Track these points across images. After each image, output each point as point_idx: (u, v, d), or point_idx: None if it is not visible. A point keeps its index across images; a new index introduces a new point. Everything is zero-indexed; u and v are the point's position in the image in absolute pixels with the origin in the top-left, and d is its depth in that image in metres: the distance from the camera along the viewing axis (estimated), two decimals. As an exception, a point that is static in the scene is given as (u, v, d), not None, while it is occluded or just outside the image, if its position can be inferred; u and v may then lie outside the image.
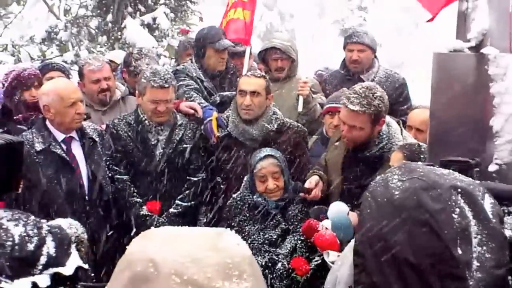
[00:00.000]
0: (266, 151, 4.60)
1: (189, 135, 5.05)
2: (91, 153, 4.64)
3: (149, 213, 4.90)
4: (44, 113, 4.50)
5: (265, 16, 27.70)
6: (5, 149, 2.05)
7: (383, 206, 1.52)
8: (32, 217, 1.74)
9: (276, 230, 4.45)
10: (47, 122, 4.51)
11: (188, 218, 4.96)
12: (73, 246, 1.79)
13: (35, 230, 1.70)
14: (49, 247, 1.70)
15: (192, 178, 5.04)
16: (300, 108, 5.46)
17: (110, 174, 4.84)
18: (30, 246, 1.66)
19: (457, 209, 1.43)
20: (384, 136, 4.32)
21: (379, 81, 5.72)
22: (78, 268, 1.68)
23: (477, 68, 2.72)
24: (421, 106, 5.08)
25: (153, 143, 4.95)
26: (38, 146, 4.42)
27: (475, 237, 1.42)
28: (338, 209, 3.98)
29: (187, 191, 5.02)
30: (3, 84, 4.82)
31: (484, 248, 1.41)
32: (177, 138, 4.98)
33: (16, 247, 1.63)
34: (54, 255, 1.69)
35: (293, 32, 26.34)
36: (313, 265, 4.23)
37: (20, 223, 1.70)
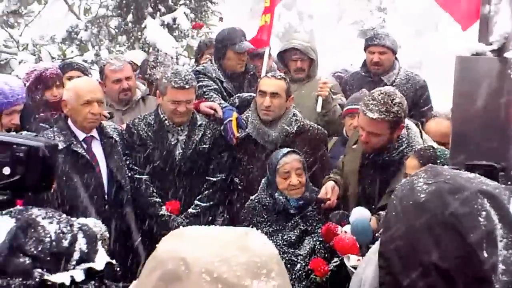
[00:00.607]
0: (288, 149, 4.60)
1: (209, 135, 5.05)
2: (111, 153, 4.66)
3: (168, 213, 4.91)
4: (62, 107, 4.57)
5: (283, 16, 27.67)
6: (43, 150, 2.09)
7: (408, 209, 1.52)
8: (64, 215, 1.79)
9: (295, 231, 4.45)
10: (69, 121, 4.55)
11: (207, 218, 4.97)
12: (99, 243, 1.83)
13: (68, 227, 1.75)
14: (81, 243, 1.75)
15: (211, 179, 5.05)
16: (319, 109, 5.46)
17: (129, 174, 4.87)
18: (65, 243, 1.70)
19: (483, 213, 1.43)
20: (404, 139, 4.28)
21: (399, 82, 5.74)
22: (107, 264, 1.72)
23: (500, 72, 2.71)
24: (438, 114, 5.03)
25: (172, 143, 4.96)
26: (60, 145, 4.44)
27: (500, 241, 1.42)
28: (360, 214, 3.97)
29: (206, 192, 5.03)
30: (25, 84, 4.85)
31: (510, 251, 1.41)
32: (197, 139, 4.98)
33: (53, 243, 1.68)
34: (86, 251, 1.74)
35: (312, 32, 26.33)
36: (332, 266, 4.23)
37: (54, 220, 1.74)
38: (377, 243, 1.70)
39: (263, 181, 4.68)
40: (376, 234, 3.90)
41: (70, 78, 5.29)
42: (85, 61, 7.31)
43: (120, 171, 4.69)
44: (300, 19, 28.98)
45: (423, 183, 1.53)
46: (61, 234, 1.71)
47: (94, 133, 4.60)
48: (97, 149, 4.62)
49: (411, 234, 1.48)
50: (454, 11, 4.50)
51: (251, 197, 4.70)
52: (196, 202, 5.00)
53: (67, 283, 1.64)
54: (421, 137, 4.40)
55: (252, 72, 6.00)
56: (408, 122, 4.41)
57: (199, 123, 5.04)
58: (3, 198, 2.00)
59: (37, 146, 2.08)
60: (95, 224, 2.11)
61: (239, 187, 5.08)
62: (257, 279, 1.23)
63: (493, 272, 1.39)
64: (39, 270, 1.63)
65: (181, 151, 4.96)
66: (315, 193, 4.54)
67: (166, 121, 4.94)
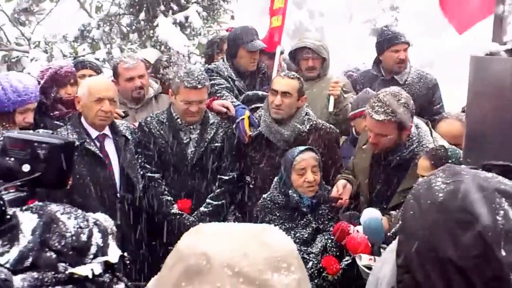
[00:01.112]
0: (305, 146, 4.61)
1: (221, 133, 5.06)
2: (124, 151, 4.68)
3: (180, 212, 4.92)
4: (76, 104, 4.61)
5: (294, 14, 27.62)
6: (63, 148, 2.13)
7: (426, 208, 1.53)
8: (79, 211, 1.83)
9: (307, 229, 4.45)
10: (82, 119, 4.57)
11: (218, 217, 4.98)
12: (110, 237, 1.87)
13: (85, 222, 1.78)
14: (96, 237, 1.79)
15: (223, 177, 5.05)
16: (331, 108, 5.45)
17: (141, 172, 4.88)
18: (83, 237, 1.74)
19: (501, 212, 1.44)
20: (414, 138, 4.27)
21: (411, 81, 5.73)
22: (121, 257, 1.76)
23: (512, 71, 2.72)
24: (449, 115, 5.02)
25: (185, 141, 4.97)
26: (73, 143, 4.48)
27: None
28: (370, 215, 3.97)
29: (218, 190, 5.04)
30: (39, 81, 4.87)
31: None
32: (209, 137, 4.99)
33: (74, 237, 1.71)
34: (101, 245, 1.78)
35: (322, 30, 26.25)
36: (343, 265, 4.25)
37: (72, 216, 1.78)
38: (394, 242, 1.71)
39: (275, 179, 4.69)
40: (388, 234, 3.91)
41: (82, 76, 5.31)
42: (97, 59, 7.32)
43: (132, 169, 4.71)
44: (311, 17, 28.96)
45: (441, 183, 1.53)
46: (79, 229, 1.75)
47: (107, 131, 4.62)
48: (109, 147, 4.64)
49: (429, 233, 1.49)
50: (452, 16, 4.54)
51: (264, 196, 4.70)
52: (208, 200, 5.01)
53: (90, 275, 1.67)
54: (431, 135, 4.38)
55: (264, 71, 6.01)
56: (417, 121, 4.40)
57: (211, 121, 5.05)
58: (22, 195, 2.05)
59: (57, 144, 2.13)
60: (105, 219, 2.15)
61: (251, 185, 5.09)
62: (278, 272, 1.25)
63: (510, 270, 1.40)
64: (63, 264, 1.66)
65: (193, 149, 4.97)
66: (327, 192, 4.55)
67: (179, 120, 4.94)
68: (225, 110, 5.22)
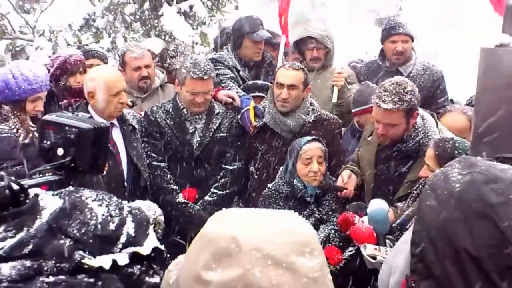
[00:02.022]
0: (311, 137, 4.61)
1: (226, 124, 5.08)
2: (131, 140, 4.69)
3: (185, 201, 4.94)
4: (88, 99, 4.56)
5: (295, 4, 27.41)
6: (93, 132, 2.15)
7: (443, 198, 1.55)
8: (115, 198, 1.80)
9: (310, 219, 4.45)
10: (90, 108, 4.56)
11: (223, 206, 4.97)
12: (151, 227, 1.86)
13: (117, 211, 1.76)
14: (129, 227, 1.76)
15: (228, 167, 5.08)
16: (335, 99, 5.45)
17: (147, 161, 4.89)
18: (112, 226, 1.71)
19: None
20: (420, 129, 4.28)
21: (416, 73, 5.70)
22: (155, 249, 1.75)
23: (527, 64, 2.71)
24: (453, 109, 5.02)
25: (190, 131, 4.99)
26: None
27: None
28: (377, 206, 3.99)
29: (223, 180, 5.06)
30: (49, 70, 4.88)
31: None
32: (214, 127, 5.01)
33: (99, 226, 1.68)
34: (133, 235, 1.75)
35: (324, 21, 26.01)
36: (346, 255, 4.27)
37: (103, 203, 1.75)
38: (408, 233, 1.73)
39: (281, 169, 4.70)
40: (393, 225, 3.93)
41: (89, 66, 5.31)
42: (101, 48, 7.32)
43: (139, 158, 4.72)
44: (313, 7, 28.70)
45: (457, 174, 1.56)
46: (108, 217, 1.72)
47: (114, 120, 4.62)
48: (117, 136, 4.64)
49: (445, 223, 1.52)
50: None
51: (269, 185, 4.72)
52: (213, 190, 5.04)
53: (106, 267, 1.65)
54: (437, 127, 4.39)
55: (269, 61, 6.01)
56: (423, 112, 4.41)
57: (216, 111, 5.07)
58: (55, 179, 2.06)
59: (87, 128, 2.13)
60: (149, 207, 2.14)
61: (255, 176, 5.10)
62: (302, 256, 1.30)
63: None
64: (81, 252, 1.63)
65: (199, 139, 4.99)
66: (333, 181, 4.56)
67: (184, 110, 4.96)
68: (230, 100, 5.23)
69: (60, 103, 4.99)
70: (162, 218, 2.24)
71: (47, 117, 2.28)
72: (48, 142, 2.17)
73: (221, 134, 5.03)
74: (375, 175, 4.48)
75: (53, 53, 6.98)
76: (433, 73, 5.80)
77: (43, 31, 7.87)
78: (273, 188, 4.66)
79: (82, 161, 2.13)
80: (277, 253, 1.29)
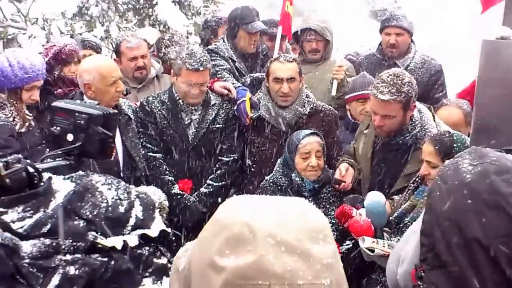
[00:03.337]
0: (310, 130, 4.60)
1: (222, 115, 5.05)
2: (126, 130, 4.66)
3: (181, 192, 4.93)
4: (85, 91, 4.51)
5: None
6: (103, 118, 2.20)
7: (454, 188, 1.55)
8: (123, 183, 1.88)
9: (308, 212, 4.44)
10: (85, 97, 4.51)
11: (219, 198, 4.98)
12: (156, 211, 1.90)
13: (125, 195, 1.83)
14: (137, 210, 1.83)
15: (224, 158, 5.06)
16: (334, 92, 5.45)
17: (143, 151, 4.87)
18: (121, 209, 1.78)
19: None
20: (417, 123, 4.27)
21: (414, 67, 5.69)
22: (161, 232, 1.79)
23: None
24: (449, 103, 5.02)
25: (186, 122, 4.97)
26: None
27: None
28: (374, 198, 3.99)
29: (218, 171, 5.05)
30: (43, 59, 4.85)
31: None
32: (210, 118, 4.99)
33: (110, 208, 1.76)
34: (141, 218, 1.82)
35: (316, 12, 26.05)
36: (343, 249, 4.27)
37: (112, 187, 1.83)
38: (416, 223, 1.73)
39: (279, 161, 4.69)
40: (390, 218, 3.94)
41: (83, 57, 5.33)
42: (95, 37, 7.27)
43: (135, 148, 4.70)
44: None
45: (468, 164, 1.56)
46: (118, 201, 1.80)
47: (110, 110, 4.59)
48: (112, 126, 4.61)
49: (456, 213, 1.52)
50: None
51: (266, 177, 4.70)
52: (209, 181, 5.03)
53: (118, 247, 1.71)
54: (434, 120, 4.39)
55: (265, 53, 6.00)
56: (420, 106, 4.40)
57: (212, 102, 5.04)
58: (66, 164, 2.11)
59: (95, 115, 2.19)
60: (154, 193, 2.18)
61: (252, 168, 5.09)
62: (316, 243, 1.30)
63: None
64: (93, 233, 1.71)
65: (195, 130, 4.97)
66: (331, 174, 4.56)
67: (180, 100, 4.94)
68: (226, 92, 5.20)
69: (55, 92, 4.97)
70: (166, 203, 2.29)
71: (56, 103, 2.32)
72: (58, 128, 2.22)
73: (217, 126, 5.01)
74: (372, 168, 4.47)
75: (47, 42, 6.93)
76: (431, 67, 5.78)
77: (36, 19, 7.80)
78: (270, 180, 4.65)
79: (91, 146, 2.19)
80: (291, 239, 1.28)
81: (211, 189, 5.00)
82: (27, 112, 4.46)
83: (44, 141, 4.45)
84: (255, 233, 1.28)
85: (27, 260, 1.61)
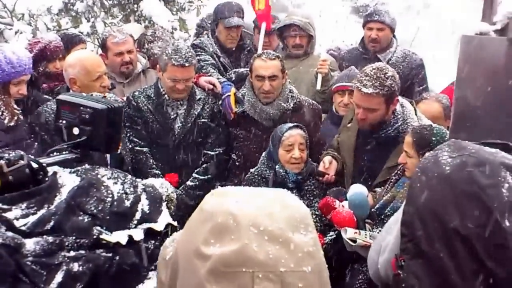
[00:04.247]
0: (294, 123, 4.65)
1: (208, 109, 5.09)
2: (113, 124, 4.66)
3: (167, 185, 4.95)
4: (70, 86, 4.54)
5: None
6: (108, 112, 2.18)
7: (433, 180, 1.60)
8: (129, 176, 1.89)
9: (292, 204, 4.47)
10: (71, 93, 4.55)
11: (204, 191, 5.01)
12: (163, 204, 1.91)
13: (132, 188, 1.83)
14: (143, 204, 1.84)
15: (209, 152, 5.11)
16: (318, 86, 5.48)
17: (130, 146, 4.91)
18: (127, 203, 1.78)
19: (506, 184, 1.52)
20: (399, 116, 4.34)
21: (396, 61, 5.73)
22: (168, 225, 1.81)
23: (507, 52, 2.76)
24: (429, 96, 5.09)
25: (172, 116, 5.00)
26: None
27: None
28: (357, 190, 4.05)
29: (204, 165, 5.09)
30: None
31: None
32: (196, 113, 5.03)
33: (115, 203, 1.76)
34: (147, 211, 1.82)
35: (300, 7, 26.01)
36: (327, 240, 4.31)
37: (118, 181, 1.83)
38: (397, 214, 1.78)
39: (263, 154, 4.74)
40: (372, 210, 4.00)
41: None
42: (81, 33, 7.27)
43: (121, 142, 4.71)
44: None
45: (447, 156, 1.61)
46: (124, 195, 1.80)
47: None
48: (99, 120, 4.62)
49: (435, 204, 1.57)
50: None
51: (251, 170, 4.76)
52: (194, 175, 5.07)
53: (123, 242, 1.73)
54: (416, 114, 4.45)
55: (249, 48, 6.03)
56: (402, 100, 4.47)
57: (198, 97, 5.08)
58: (72, 157, 2.10)
59: (100, 109, 2.17)
60: (162, 185, 2.18)
61: (236, 163, 5.14)
62: (298, 232, 1.37)
63: None
64: (98, 228, 1.72)
65: (180, 124, 5.00)
66: (315, 166, 4.62)
67: (166, 95, 4.97)
68: (211, 86, 5.25)
69: (40, 87, 5.00)
70: (174, 195, 2.28)
71: (62, 96, 2.32)
72: (64, 122, 2.21)
73: (203, 120, 5.05)
74: (355, 161, 4.54)
75: (33, 37, 6.93)
76: (413, 61, 5.84)
77: (22, 15, 7.80)
78: (255, 172, 4.71)
79: (97, 140, 2.18)
80: (273, 228, 1.34)
81: (197, 182, 5.04)
82: (15, 106, 4.47)
83: (32, 135, 4.47)
84: (239, 222, 1.33)
85: (30, 258, 1.62)
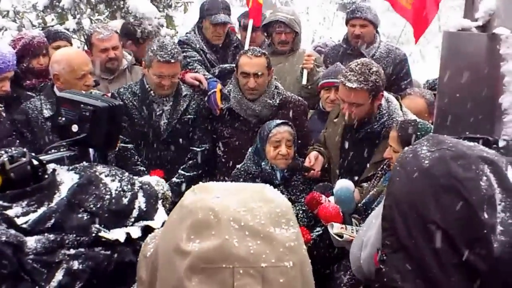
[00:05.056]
0: (282, 120, 4.66)
1: (194, 106, 5.09)
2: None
3: (152, 182, 4.93)
4: (54, 81, 4.52)
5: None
6: (108, 111, 2.19)
7: (412, 174, 1.61)
8: (126, 174, 1.89)
9: (279, 199, 4.47)
10: (55, 89, 4.52)
11: (190, 188, 4.99)
12: (159, 202, 1.91)
13: (129, 186, 1.83)
14: (140, 202, 1.84)
15: (195, 149, 5.10)
16: (304, 81, 5.51)
17: (115, 142, 4.88)
18: (125, 200, 1.79)
19: (484, 178, 1.54)
20: (385, 112, 4.38)
21: (379, 56, 5.77)
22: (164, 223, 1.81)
23: (488, 48, 2.78)
24: (413, 92, 5.12)
25: (158, 113, 4.99)
26: (46, 113, 4.44)
27: (499, 204, 1.53)
28: (343, 185, 4.07)
29: (190, 162, 5.09)
30: None
31: (508, 214, 1.53)
32: (182, 109, 5.02)
33: (113, 200, 1.76)
34: (144, 209, 1.83)
35: (287, 5, 26.06)
36: (314, 235, 4.33)
37: (116, 178, 1.83)
38: (378, 208, 1.79)
39: (250, 150, 4.74)
40: (359, 205, 4.02)
41: (57, 48, 5.28)
42: (67, 30, 7.24)
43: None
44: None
45: (426, 150, 1.63)
46: (121, 192, 1.80)
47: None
48: (84, 117, 4.60)
49: (415, 197, 1.58)
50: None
51: (238, 166, 4.76)
52: (180, 171, 5.06)
53: (122, 239, 1.73)
54: (401, 109, 4.48)
55: (236, 44, 6.03)
56: (388, 95, 4.51)
57: (184, 93, 5.08)
58: (70, 154, 2.11)
59: (102, 107, 2.19)
60: (158, 183, 2.18)
61: (222, 159, 5.15)
62: (279, 227, 1.36)
63: (492, 232, 1.51)
64: (97, 225, 1.72)
65: (166, 121, 4.99)
66: (301, 162, 4.63)
67: (151, 92, 4.96)
68: (197, 83, 5.24)
69: (23, 84, 4.99)
70: (169, 193, 2.29)
71: (62, 94, 2.33)
72: (63, 119, 2.21)
73: (189, 116, 5.05)
74: (341, 156, 4.56)
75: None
76: (396, 56, 5.88)
77: (7, 12, 7.76)
78: (242, 168, 4.71)
79: (96, 138, 2.19)
80: (254, 223, 1.34)
81: (183, 179, 5.03)
82: (-2, 102, 4.47)
83: (14, 132, 4.45)
84: (219, 218, 1.33)
85: (31, 256, 1.62)
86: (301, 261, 1.38)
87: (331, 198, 4.09)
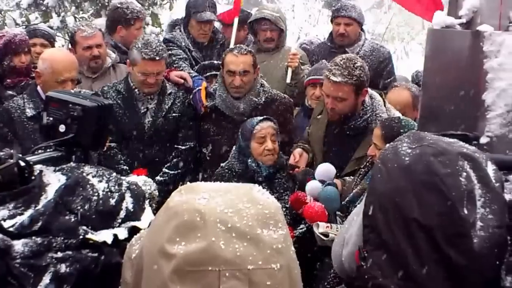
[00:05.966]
0: (263, 116, 4.65)
1: (178, 104, 5.08)
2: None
3: (135, 181, 4.91)
4: (35, 77, 4.50)
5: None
6: (97, 110, 2.16)
7: (393, 171, 1.62)
8: (114, 174, 1.87)
9: (263, 197, 4.47)
10: (38, 88, 4.47)
11: (175, 186, 4.99)
12: (146, 202, 1.90)
13: (116, 187, 1.82)
14: (128, 202, 1.82)
15: (180, 147, 5.09)
16: (288, 80, 5.51)
17: (98, 141, 4.85)
18: (112, 201, 1.77)
19: (464, 174, 1.54)
20: (368, 108, 4.41)
21: (364, 54, 5.78)
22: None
23: (471, 45, 2.79)
24: (399, 84, 5.16)
25: (142, 111, 4.98)
26: (29, 112, 4.39)
27: (479, 200, 1.53)
28: (325, 169, 4.07)
29: (174, 160, 5.07)
30: None
31: (487, 209, 1.53)
32: (166, 107, 5.01)
33: (100, 201, 1.74)
34: (132, 210, 1.81)
35: (273, 2, 26.11)
36: (297, 233, 4.32)
37: (103, 179, 1.81)
38: (359, 206, 1.79)
39: (234, 148, 4.73)
40: (343, 203, 4.02)
41: (33, 45, 5.32)
42: (51, 27, 7.21)
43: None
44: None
45: (407, 147, 1.63)
46: (109, 193, 1.78)
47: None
48: (66, 115, 4.57)
49: (395, 194, 1.58)
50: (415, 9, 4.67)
51: (222, 164, 4.75)
52: (164, 170, 5.04)
53: (109, 241, 1.71)
54: (385, 105, 4.51)
55: (222, 42, 6.03)
56: (371, 91, 4.54)
57: (168, 91, 5.07)
58: (57, 155, 2.08)
59: (90, 106, 2.14)
60: (145, 183, 2.16)
61: (207, 157, 5.14)
62: (267, 228, 1.34)
63: (472, 228, 1.51)
64: (84, 227, 1.70)
65: (151, 119, 4.99)
66: (286, 159, 4.63)
67: (136, 90, 4.95)
68: (182, 81, 5.24)
69: (4, 83, 4.96)
70: (156, 192, 2.27)
71: (51, 93, 2.28)
72: (51, 119, 2.17)
73: (173, 114, 5.04)
74: (324, 152, 4.58)
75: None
76: (380, 54, 5.93)
77: (-10, 10, 7.74)
78: (226, 167, 4.70)
79: (84, 137, 2.15)
80: (241, 225, 1.32)
81: (167, 178, 5.02)
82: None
83: None
84: (206, 219, 1.30)
85: (18, 260, 1.60)
86: (289, 263, 1.37)
87: (315, 183, 4.08)
